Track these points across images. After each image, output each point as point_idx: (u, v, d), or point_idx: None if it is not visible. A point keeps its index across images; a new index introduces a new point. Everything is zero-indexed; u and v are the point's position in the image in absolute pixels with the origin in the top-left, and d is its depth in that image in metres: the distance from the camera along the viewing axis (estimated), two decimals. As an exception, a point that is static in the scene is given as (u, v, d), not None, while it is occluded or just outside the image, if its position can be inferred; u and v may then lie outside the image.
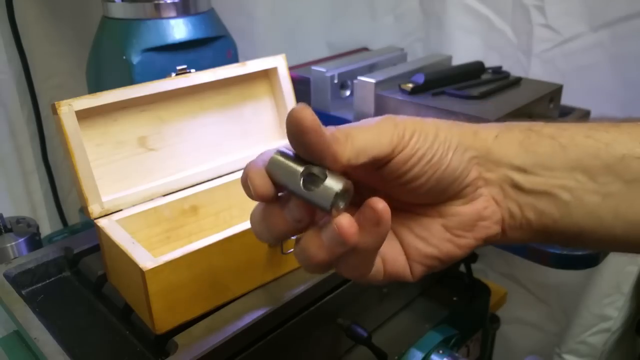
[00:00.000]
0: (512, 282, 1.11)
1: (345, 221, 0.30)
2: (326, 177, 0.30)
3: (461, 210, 0.36)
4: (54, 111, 0.53)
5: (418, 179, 0.33)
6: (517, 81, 0.81)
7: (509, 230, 0.36)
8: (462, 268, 0.77)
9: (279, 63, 0.68)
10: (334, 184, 0.30)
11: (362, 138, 0.31)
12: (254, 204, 0.36)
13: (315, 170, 0.31)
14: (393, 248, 0.36)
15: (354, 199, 0.32)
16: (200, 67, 0.64)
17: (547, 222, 0.34)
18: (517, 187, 0.35)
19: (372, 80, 0.79)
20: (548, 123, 0.36)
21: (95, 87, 0.75)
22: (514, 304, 1.07)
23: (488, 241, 0.36)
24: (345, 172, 0.32)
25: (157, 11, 0.71)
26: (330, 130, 0.31)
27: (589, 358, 1.02)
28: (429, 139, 0.33)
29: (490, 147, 0.35)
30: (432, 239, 0.36)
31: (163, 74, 0.63)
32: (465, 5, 1.02)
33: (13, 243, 0.67)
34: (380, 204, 0.30)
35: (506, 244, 0.37)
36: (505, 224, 0.36)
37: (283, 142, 0.70)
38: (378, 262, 0.35)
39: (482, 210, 0.35)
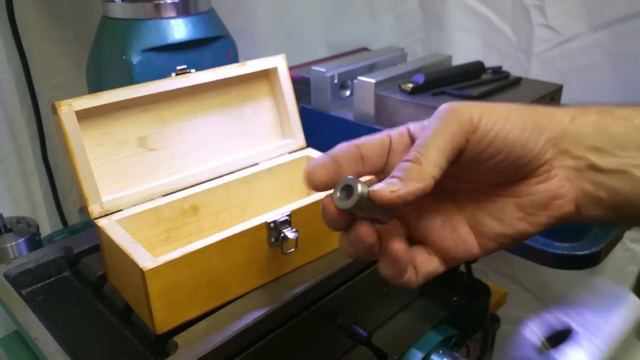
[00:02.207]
0: (512, 282, 1.11)
1: (364, 229, 0.35)
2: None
3: (535, 189, 0.36)
4: (54, 111, 0.53)
5: (493, 158, 0.35)
6: (517, 81, 0.81)
7: (583, 208, 0.37)
8: (462, 268, 0.77)
9: (279, 63, 0.68)
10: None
11: (434, 148, 0.33)
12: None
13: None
14: (457, 235, 0.38)
15: (435, 187, 0.34)
16: (200, 67, 0.64)
17: (620, 200, 0.35)
18: (592, 167, 0.36)
19: (372, 80, 0.79)
20: (621, 106, 0.37)
21: (95, 87, 0.75)
22: (514, 304, 1.07)
23: (563, 219, 0.38)
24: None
25: (157, 11, 0.71)
26: (402, 169, 0.33)
27: (589, 358, 1.02)
28: (500, 120, 0.34)
29: (567, 128, 0.36)
30: (506, 218, 0.37)
31: (163, 74, 0.63)
32: (465, 5, 1.02)
33: (13, 243, 0.67)
34: (395, 246, 0.34)
35: (581, 222, 0.38)
36: (580, 202, 0.37)
37: (283, 142, 0.70)
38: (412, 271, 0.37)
39: (557, 189, 0.36)
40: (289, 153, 0.70)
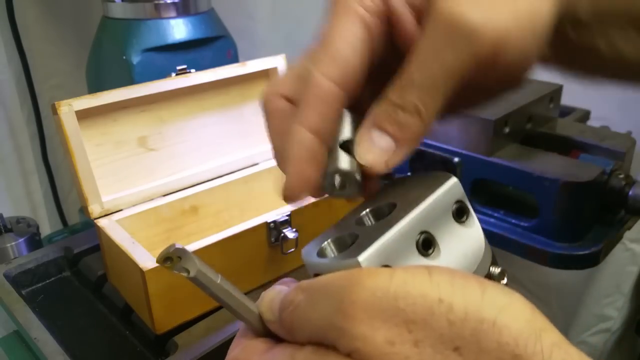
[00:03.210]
0: (512, 282, 1.10)
1: None
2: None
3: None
4: (54, 111, 0.53)
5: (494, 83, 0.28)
6: (517, 81, 0.81)
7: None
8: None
9: (279, 63, 0.68)
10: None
11: (437, 90, 0.25)
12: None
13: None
14: None
15: None
16: (200, 67, 0.64)
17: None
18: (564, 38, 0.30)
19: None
20: None
21: (95, 87, 0.75)
22: (513, 304, 1.07)
23: None
24: None
25: (157, 11, 0.71)
26: (396, 121, 0.25)
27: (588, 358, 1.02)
28: (526, 47, 0.27)
29: None
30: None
31: (163, 74, 0.63)
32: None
33: (13, 243, 0.67)
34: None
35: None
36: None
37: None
38: None
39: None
40: (289, 153, 0.70)
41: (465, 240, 0.26)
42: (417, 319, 0.20)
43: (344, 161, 0.26)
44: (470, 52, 0.25)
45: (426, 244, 0.25)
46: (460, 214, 0.27)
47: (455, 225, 0.26)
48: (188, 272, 0.23)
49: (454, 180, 0.27)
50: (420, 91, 0.25)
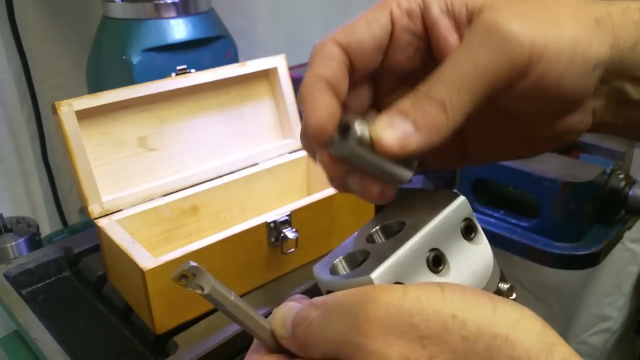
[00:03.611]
0: (512, 282, 1.11)
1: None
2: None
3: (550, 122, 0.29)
4: (54, 111, 0.53)
5: (528, 101, 0.27)
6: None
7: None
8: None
9: (279, 63, 0.68)
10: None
11: (468, 89, 0.25)
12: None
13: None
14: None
15: None
16: (200, 67, 0.64)
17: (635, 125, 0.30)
18: (623, 97, 0.29)
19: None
20: None
21: (95, 87, 0.75)
22: (513, 304, 1.07)
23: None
24: None
25: (157, 11, 0.70)
26: (421, 108, 0.25)
27: (589, 358, 1.02)
28: (564, 58, 0.26)
29: (626, 56, 0.27)
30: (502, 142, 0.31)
31: (163, 74, 0.63)
32: (465, 5, 1.02)
33: (13, 243, 0.67)
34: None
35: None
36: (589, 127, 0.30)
37: (283, 142, 0.70)
38: None
39: (576, 125, 0.29)
40: (289, 153, 0.70)
41: (474, 257, 0.27)
42: (431, 335, 0.20)
43: (359, 122, 0.25)
44: (504, 56, 0.25)
45: (436, 261, 0.25)
46: (468, 232, 0.27)
47: (464, 243, 0.27)
48: (202, 289, 0.23)
49: (462, 198, 0.27)
50: (450, 86, 0.25)
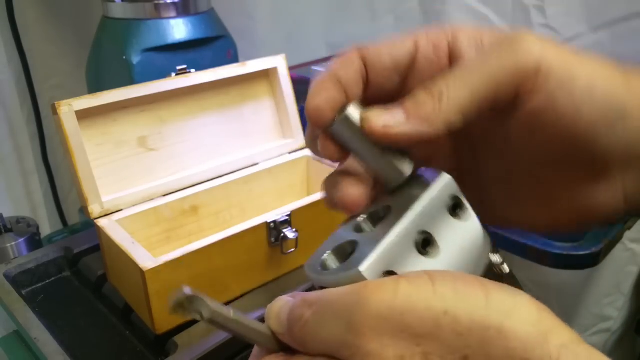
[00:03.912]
0: (512, 282, 1.11)
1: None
2: None
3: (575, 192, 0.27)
4: (54, 111, 0.53)
5: (541, 134, 0.25)
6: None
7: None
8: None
9: (279, 63, 0.68)
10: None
11: (468, 85, 0.24)
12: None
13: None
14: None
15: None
16: (200, 67, 0.64)
17: None
18: None
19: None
20: None
21: (95, 87, 0.75)
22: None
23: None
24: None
25: (157, 11, 0.71)
26: (415, 99, 0.25)
27: (589, 358, 1.02)
28: (578, 89, 0.24)
29: None
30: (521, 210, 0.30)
31: (163, 74, 0.63)
32: (465, 5, 1.02)
33: (13, 243, 0.67)
34: None
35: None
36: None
37: (283, 142, 0.70)
38: None
39: (601, 203, 0.27)
40: (289, 153, 0.70)
41: (463, 234, 0.26)
42: (424, 333, 0.20)
43: (356, 105, 0.26)
44: (511, 58, 0.24)
45: (425, 244, 0.25)
46: (455, 209, 0.27)
47: (452, 221, 0.26)
48: (202, 315, 0.23)
49: (447, 177, 0.27)
50: (450, 81, 0.24)
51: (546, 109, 0.24)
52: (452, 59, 0.27)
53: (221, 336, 0.49)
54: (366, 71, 0.27)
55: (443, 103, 0.24)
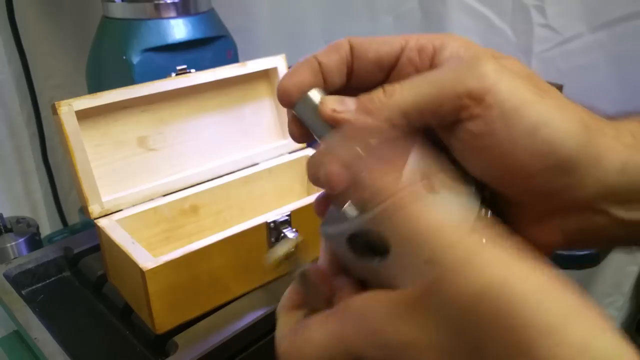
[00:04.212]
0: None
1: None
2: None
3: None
4: (54, 111, 0.53)
5: (482, 161, 0.25)
6: (517, 81, 0.81)
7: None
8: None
9: (279, 63, 0.68)
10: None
11: (418, 90, 0.25)
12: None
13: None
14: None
15: None
16: (200, 67, 0.64)
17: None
18: (611, 219, 0.26)
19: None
20: None
21: (95, 87, 0.75)
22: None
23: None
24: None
25: (157, 11, 0.71)
26: (371, 93, 0.26)
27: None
28: (524, 123, 0.24)
29: (610, 183, 0.25)
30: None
31: (163, 74, 0.63)
32: (465, 5, 1.02)
33: (13, 243, 0.67)
34: None
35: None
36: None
37: (283, 142, 0.70)
38: None
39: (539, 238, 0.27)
40: (289, 153, 0.70)
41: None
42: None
43: (319, 90, 0.28)
44: (462, 80, 0.24)
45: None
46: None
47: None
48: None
49: None
50: (406, 84, 0.26)
51: (483, 135, 0.24)
52: (433, 65, 0.28)
53: (221, 336, 0.49)
54: (352, 62, 0.29)
55: (389, 102, 0.26)
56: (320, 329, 0.25)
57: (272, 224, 0.55)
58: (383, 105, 0.26)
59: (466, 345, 0.21)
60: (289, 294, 0.30)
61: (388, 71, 0.29)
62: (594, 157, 0.25)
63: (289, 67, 0.69)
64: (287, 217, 0.55)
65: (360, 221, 0.24)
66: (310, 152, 0.70)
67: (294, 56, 0.86)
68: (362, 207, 0.24)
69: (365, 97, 0.26)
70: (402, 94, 0.25)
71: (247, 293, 0.55)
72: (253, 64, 0.66)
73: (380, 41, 0.29)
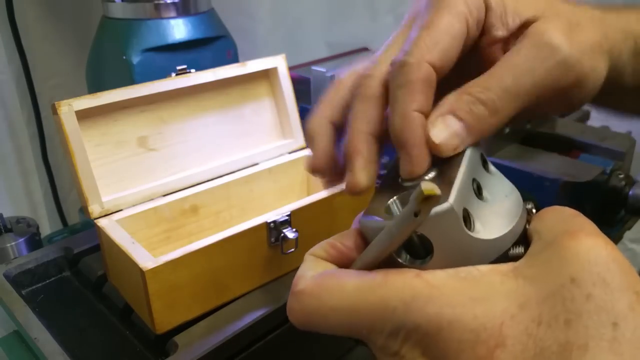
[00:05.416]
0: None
1: None
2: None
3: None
4: (54, 111, 0.53)
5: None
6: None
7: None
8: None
9: (279, 63, 0.68)
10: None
11: (510, 90, 0.28)
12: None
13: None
14: None
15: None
16: (200, 67, 0.64)
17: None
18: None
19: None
20: None
21: (95, 87, 0.75)
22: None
23: None
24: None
25: (157, 11, 0.71)
26: (468, 105, 0.28)
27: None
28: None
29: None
30: None
31: (163, 74, 0.63)
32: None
33: (13, 243, 0.67)
34: None
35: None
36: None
37: (283, 142, 0.70)
38: None
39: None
40: (289, 153, 0.70)
41: (500, 184, 0.28)
42: None
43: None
44: (554, 63, 0.28)
45: (479, 190, 0.27)
46: (485, 164, 0.29)
47: (487, 174, 0.29)
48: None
49: None
50: (504, 93, 0.27)
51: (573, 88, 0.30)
52: (484, 30, 0.30)
53: (221, 336, 0.49)
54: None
55: (497, 116, 0.27)
56: (361, 280, 0.25)
57: (272, 224, 0.55)
58: (496, 121, 0.27)
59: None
60: (325, 244, 0.29)
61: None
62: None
63: (290, 69, 0.69)
64: (287, 217, 0.55)
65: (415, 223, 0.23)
66: (310, 152, 0.70)
67: (294, 56, 0.86)
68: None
69: (473, 117, 0.27)
70: (508, 108, 0.27)
71: (247, 293, 0.55)
72: (253, 64, 0.66)
73: (450, 39, 0.28)
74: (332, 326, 0.25)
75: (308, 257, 0.28)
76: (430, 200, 0.21)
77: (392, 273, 0.24)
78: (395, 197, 0.27)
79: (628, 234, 0.74)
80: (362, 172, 0.30)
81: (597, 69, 0.30)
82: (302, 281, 0.27)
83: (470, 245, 0.24)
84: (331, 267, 0.28)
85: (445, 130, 0.27)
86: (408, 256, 0.25)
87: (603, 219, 0.66)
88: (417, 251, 0.25)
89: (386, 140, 0.31)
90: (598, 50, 0.30)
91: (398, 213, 0.27)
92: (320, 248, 0.29)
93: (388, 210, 0.27)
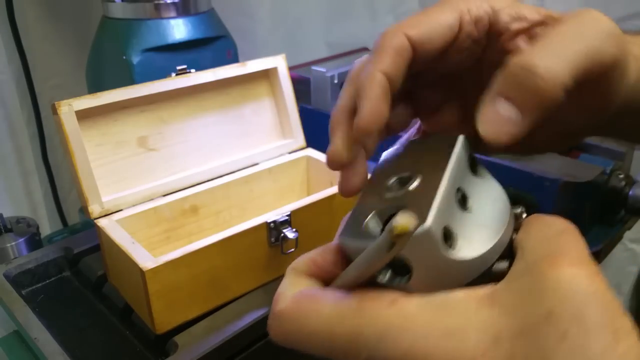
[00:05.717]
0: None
1: None
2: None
3: None
4: (54, 111, 0.53)
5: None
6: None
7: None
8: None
9: (279, 63, 0.68)
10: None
11: (566, 52, 0.24)
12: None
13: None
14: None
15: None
16: (200, 67, 0.64)
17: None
18: None
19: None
20: None
21: (95, 87, 0.75)
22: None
23: None
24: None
25: (157, 11, 0.71)
26: (515, 82, 0.24)
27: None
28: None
29: None
30: None
31: (163, 74, 0.63)
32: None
33: (13, 243, 0.67)
34: None
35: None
36: None
37: (283, 142, 0.70)
38: None
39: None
40: (289, 153, 0.70)
41: (488, 189, 0.27)
42: None
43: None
44: (601, 30, 0.25)
45: (463, 200, 0.26)
46: (474, 167, 0.28)
47: (475, 178, 0.27)
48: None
49: (462, 136, 0.28)
50: (557, 58, 0.23)
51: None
52: (492, 32, 0.29)
53: (221, 336, 0.49)
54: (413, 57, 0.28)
55: (555, 83, 0.23)
56: (337, 305, 0.24)
57: (272, 224, 0.55)
58: (549, 88, 0.23)
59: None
60: (306, 259, 0.28)
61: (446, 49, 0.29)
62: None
63: (290, 69, 0.69)
64: (287, 217, 0.56)
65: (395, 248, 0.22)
66: (310, 152, 0.70)
67: (294, 56, 0.86)
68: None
69: (524, 94, 0.24)
70: (563, 75, 0.23)
71: (247, 293, 0.55)
72: (253, 64, 0.66)
73: (437, 25, 0.28)
74: (310, 348, 0.25)
75: (290, 272, 0.27)
76: (404, 235, 0.20)
77: (368, 300, 0.23)
78: (374, 212, 0.26)
79: (628, 234, 0.74)
80: (342, 141, 0.28)
81: (632, 62, 0.28)
82: (282, 300, 0.26)
83: (449, 266, 0.23)
84: (312, 284, 0.27)
85: (495, 118, 0.23)
86: (389, 273, 0.24)
87: (603, 219, 0.66)
88: (399, 268, 0.24)
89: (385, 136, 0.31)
90: (633, 58, 0.28)
91: (377, 233, 0.25)
92: (302, 262, 0.28)
93: (367, 228, 0.26)
